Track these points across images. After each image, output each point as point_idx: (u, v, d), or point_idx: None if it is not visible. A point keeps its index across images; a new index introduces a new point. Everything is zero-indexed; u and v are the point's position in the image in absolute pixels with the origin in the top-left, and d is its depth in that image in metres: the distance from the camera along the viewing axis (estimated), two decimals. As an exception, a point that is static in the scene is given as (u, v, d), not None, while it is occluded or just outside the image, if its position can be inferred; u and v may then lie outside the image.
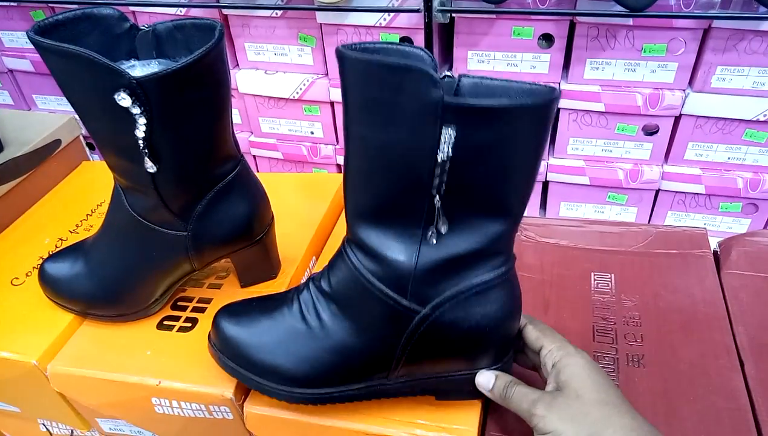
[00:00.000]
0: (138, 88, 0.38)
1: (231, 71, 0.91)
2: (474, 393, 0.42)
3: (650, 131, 0.83)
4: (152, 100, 0.39)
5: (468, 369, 0.41)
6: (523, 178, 0.35)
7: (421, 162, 0.33)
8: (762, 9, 0.66)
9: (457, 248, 0.36)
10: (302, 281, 0.46)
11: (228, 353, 0.43)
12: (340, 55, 0.32)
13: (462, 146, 0.31)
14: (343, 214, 0.67)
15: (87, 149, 0.83)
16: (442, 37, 0.85)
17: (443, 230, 0.35)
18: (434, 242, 0.36)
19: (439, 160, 0.32)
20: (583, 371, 0.38)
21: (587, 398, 0.37)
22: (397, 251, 0.37)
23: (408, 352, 0.40)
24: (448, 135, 0.31)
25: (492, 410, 0.47)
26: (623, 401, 0.37)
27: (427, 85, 0.30)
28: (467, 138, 0.31)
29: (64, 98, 0.99)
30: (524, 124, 0.32)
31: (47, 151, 0.74)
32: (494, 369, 0.42)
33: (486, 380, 0.41)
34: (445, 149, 0.31)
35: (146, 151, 0.41)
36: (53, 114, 0.81)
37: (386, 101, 0.31)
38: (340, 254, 0.41)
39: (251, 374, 0.42)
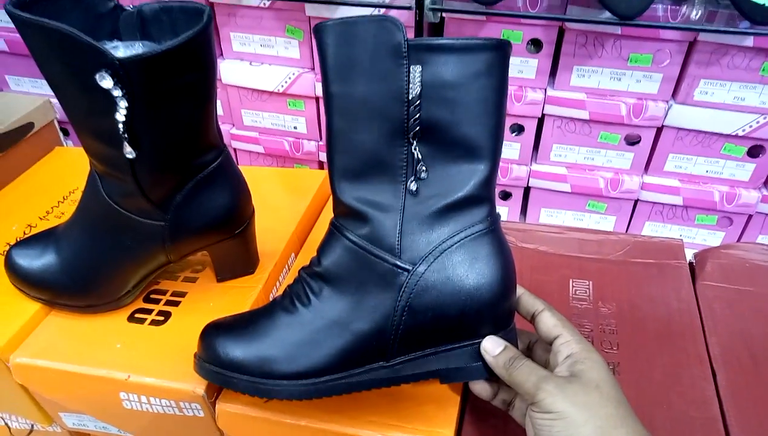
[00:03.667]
0: (121, 70, 0.37)
1: (215, 60, 0.89)
2: (478, 372, 0.40)
3: (632, 141, 0.84)
4: (135, 82, 0.38)
5: (468, 340, 0.40)
6: (489, 119, 0.37)
7: (396, 106, 0.36)
8: (744, 24, 0.67)
9: (440, 198, 0.38)
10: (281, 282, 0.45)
11: (214, 360, 0.40)
12: (318, 28, 0.37)
13: (429, 84, 0.36)
14: (324, 211, 0.66)
15: (61, 134, 0.81)
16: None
17: (423, 175, 0.38)
18: (415, 188, 0.38)
19: (411, 96, 0.36)
20: (604, 368, 0.38)
21: (606, 393, 0.36)
22: (383, 207, 0.39)
23: (404, 321, 0.39)
24: (416, 72, 0.35)
25: (469, 413, 0.46)
26: (633, 412, 0.37)
27: (391, 30, 0.35)
28: (433, 75, 0.36)
29: (39, 80, 0.97)
30: (481, 63, 0.36)
31: (19, 134, 0.72)
32: (499, 334, 0.40)
33: (493, 345, 0.40)
34: (415, 87, 0.36)
35: (126, 135, 0.40)
36: (27, 96, 0.78)
37: (360, 55, 0.36)
38: (329, 233, 0.42)
39: (244, 375, 0.39)
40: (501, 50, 0.36)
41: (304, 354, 0.39)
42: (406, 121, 0.37)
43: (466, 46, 0.35)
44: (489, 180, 0.39)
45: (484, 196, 0.39)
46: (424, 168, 0.38)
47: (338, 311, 0.39)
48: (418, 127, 0.37)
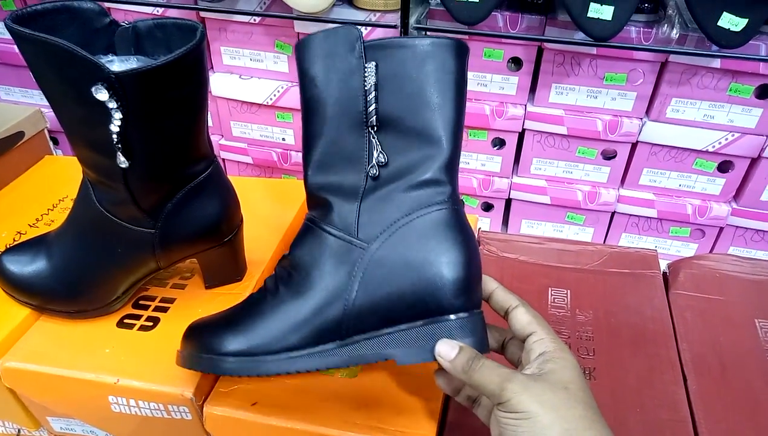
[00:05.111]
0: (116, 83, 0.38)
1: (205, 73, 0.90)
2: (430, 353, 0.39)
3: (608, 156, 0.87)
4: (129, 95, 0.39)
5: (425, 319, 0.39)
6: (445, 108, 0.40)
7: (356, 100, 0.40)
8: (714, 47, 0.71)
9: (400, 181, 0.40)
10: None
11: (192, 347, 0.43)
12: (298, 44, 0.41)
13: (384, 77, 0.39)
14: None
15: (51, 143, 0.82)
16: (416, 54, 0.87)
17: (382, 159, 0.41)
18: (375, 173, 0.41)
19: (366, 88, 0.39)
20: (575, 370, 0.36)
21: (574, 394, 0.35)
22: (345, 192, 0.42)
23: (357, 296, 0.40)
24: (370, 67, 0.39)
25: (450, 417, 0.48)
26: (601, 415, 0.36)
27: (350, 35, 0.40)
28: (387, 70, 0.39)
29: (29, 90, 0.97)
30: (433, 57, 0.39)
31: (10, 142, 0.73)
32: (461, 315, 0.39)
33: (448, 349, 0.38)
34: (370, 79, 0.39)
35: (119, 146, 0.41)
36: (18, 106, 0.79)
37: (329, 62, 0.40)
38: (301, 226, 0.45)
39: (202, 353, 0.42)
40: (451, 46, 0.39)
41: (262, 331, 0.41)
42: (365, 113, 0.40)
43: (416, 44, 0.39)
44: (448, 165, 0.40)
45: (443, 180, 0.40)
46: (383, 154, 0.40)
47: (300, 292, 0.41)
48: (374, 117, 0.40)
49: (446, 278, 0.39)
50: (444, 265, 0.39)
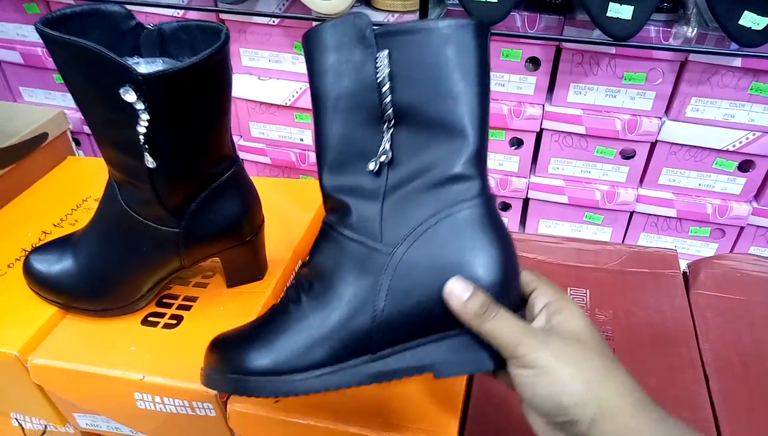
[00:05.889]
0: (143, 85, 0.39)
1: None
2: (475, 363, 0.37)
3: (627, 155, 0.87)
4: (156, 97, 0.40)
5: (460, 328, 0.36)
6: (466, 96, 0.36)
7: (370, 93, 0.37)
8: (733, 45, 0.70)
9: (423, 179, 0.37)
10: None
11: (216, 363, 0.40)
12: (305, 36, 0.39)
13: (398, 67, 0.36)
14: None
15: (73, 144, 0.83)
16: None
17: (402, 158, 0.38)
18: (395, 171, 0.38)
19: (379, 80, 0.36)
20: (583, 319, 0.35)
21: (589, 345, 0.34)
22: (365, 195, 0.39)
23: (386, 306, 0.37)
24: (383, 56, 0.36)
25: (472, 413, 0.48)
26: (619, 362, 0.34)
27: (358, 24, 0.37)
28: (401, 58, 0.36)
29: (52, 92, 0.99)
30: (450, 41, 0.36)
31: (33, 144, 0.74)
32: None
33: (462, 288, 0.35)
34: (383, 70, 0.36)
35: (146, 146, 0.42)
36: (42, 108, 0.81)
37: (338, 53, 0.37)
38: (319, 232, 0.42)
39: (227, 372, 0.39)
40: (470, 27, 0.36)
41: (287, 345, 0.38)
42: (380, 106, 0.37)
43: (432, 27, 0.35)
44: (475, 157, 0.37)
45: (471, 174, 0.37)
46: (403, 151, 0.38)
47: (324, 303, 0.38)
48: (391, 110, 0.37)
49: (483, 281, 0.36)
50: (479, 267, 0.36)
